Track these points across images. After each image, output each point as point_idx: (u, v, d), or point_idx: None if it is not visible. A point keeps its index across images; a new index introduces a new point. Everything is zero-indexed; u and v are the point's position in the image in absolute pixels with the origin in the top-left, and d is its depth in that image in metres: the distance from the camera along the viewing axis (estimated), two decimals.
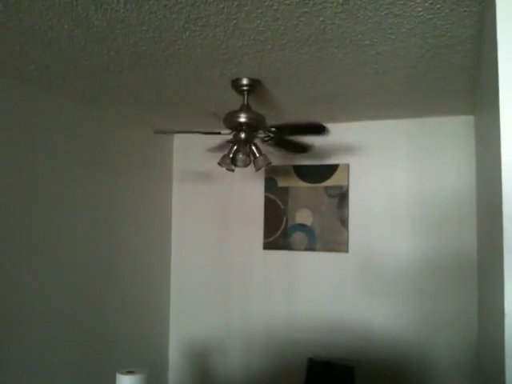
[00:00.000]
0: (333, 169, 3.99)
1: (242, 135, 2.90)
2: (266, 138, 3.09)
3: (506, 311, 1.52)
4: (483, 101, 2.41)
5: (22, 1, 1.93)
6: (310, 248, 4.03)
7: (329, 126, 3.91)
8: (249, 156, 2.99)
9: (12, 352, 2.98)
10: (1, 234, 2.91)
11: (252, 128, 2.90)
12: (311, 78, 2.85)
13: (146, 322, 4.21)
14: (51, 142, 3.27)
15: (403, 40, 2.28)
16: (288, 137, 3.11)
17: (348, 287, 3.91)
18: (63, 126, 3.37)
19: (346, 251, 3.93)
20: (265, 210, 4.20)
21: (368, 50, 2.41)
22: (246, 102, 2.93)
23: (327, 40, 2.29)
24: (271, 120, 3.02)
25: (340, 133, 3.95)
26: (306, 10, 1.98)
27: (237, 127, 2.89)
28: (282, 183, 4.15)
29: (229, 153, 3.00)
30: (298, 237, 4.07)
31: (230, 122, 2.89)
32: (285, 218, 4.12)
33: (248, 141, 2.94)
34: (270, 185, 4.19)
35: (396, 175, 3.83)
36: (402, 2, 1.91)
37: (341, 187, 3.96)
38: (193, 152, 4.47)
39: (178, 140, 4.58)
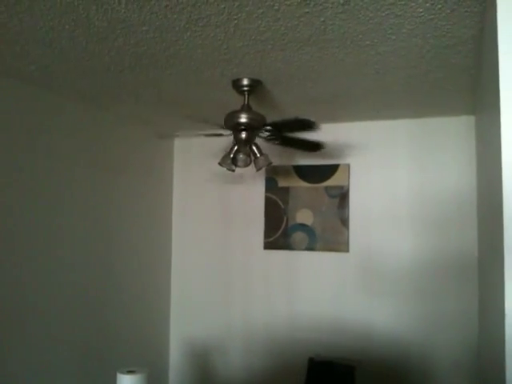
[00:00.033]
0: (333, 169, 3.99)
1: (243, 135, 2.91)
2: (270, 137, 3.08)
3: (507, 311, 1.52)
4: (484, 101, 2.41)
5: (23, 1, 1.94)
6: (311, 248, 4.03)
7: (329, 126, 3.96)
8: (249, 156, 2.99)
9: (12, 352, 2.98)
10: (1, 234, 2.91)
11: (253, 128, 2.90)
12: (312, 78, 2.85)
13: (146, 322, 4.21)
14: (51, 142, 3.27)
15: (404, 40, 2.28)
16: (291, 135, 3.10)
17: (349, 287, 3.91)
18: (64, 126, 3.37)
19: (347, 251, 3.93)
20: (265, 209, 4.20)
21: (369, 51, 2.41)
22: (246, 103, 2.94)
23: (328, 40, 2.29)
24: (270, 120, 3.01)
25: (341, 133, 3.96)
26: (306, 10, 1.98)
27: (237, 127, 2.90)
28: (282, 183, 4.15)
29: (229, 153, 3.00)
30: (298, 237, 4.07)
31: (231, 122, 2.89)
32: (285, 218, 4.12)
33: (248, 141, 2.94)
34: (270, 185, 4.19)
35: (397, 175, 3.83)
36: (402, 3, 1.91)
37: (341, 187, 3.96)
38: (193, 152, 4.48)
39: (179, 140, 4.58)
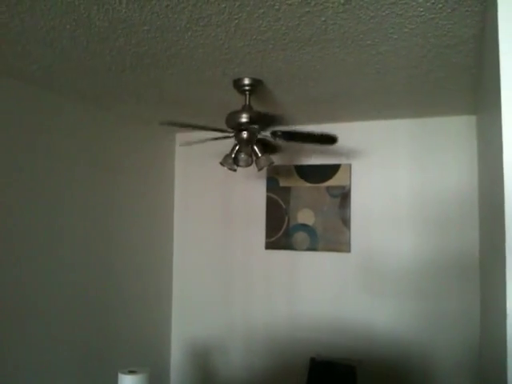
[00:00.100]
0: (335, 169, 3.98)
1: (244, 135, 2.91)
2: (272, 135, 3.08)
3: (508, 311, 1.52)
4: (485, 100, 2.41)
5: (24, 1, 1.94)
6: (312, 248, 4.03)
7: (331, 126, 3.96)
8: (251, 156, 2.99)
9: (12, 352, 2.98)
10: (1, 234, 2.91)
11: (253, 128, 2.90)
12: (313, 77, 2.85)
13: (147, 322, 4.21)
14: (52, 141, 3.27)
15: (405, 40, 2.28)
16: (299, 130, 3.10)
17: (350, 287, 3.91)
18: (64, 126, 3.37)
19: (348, 251, 3.93)
20: (267, 209, 4.20)
21: (370, 50, 2.41)
22: (247, 102, 2.94)
23: (329, 40, 2.29)
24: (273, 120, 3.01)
25: (342, 133, 3.94)
26: (307, 9, 1.98)
27: (239, 127, 2.90)
28: (283, 183, 4.15)
29: (231, 153, 3.00)
30: (300, 237, 4.07)
31: (232, 121, 2.89)
32: (287, 218, 4.12)
33: (250, 141, 2.94)
34: (271, 185, 4.19)
35: (398, 175, 3.83)
36: (403, 2, 1.91)
37: (343, 187, 3.96)
38: (194, 152, 4.48)
39: (180, 139, 4.57)
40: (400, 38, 2.25)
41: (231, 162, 3.01)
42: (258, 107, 3.24)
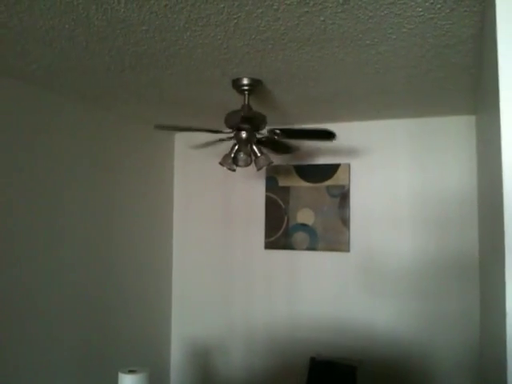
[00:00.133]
0: (334, 168, 3.98)
1: (243, 135, 2.91)
2: (264, 139, 3.09)
3: (508, 311, 1.52)
4: (484, 100, 2.41)
5: (23, 1, 1.94)
6: (312, 248, 4.03)
7: (330, 125, 3.96)
8: (250, 156, 2.99)
9: (12, 352, 2.98)
10: (1, 234, 2.91)
11: (253, 128, 2.90)
12: (312, 77, 2.85)
13: (147, 322, 4.21)
14: (52, 141, 3.27)
15: (404, 40, 2.27)
16: (287, 139, 3.10)
17: (350, 287, 3.91)
18: (65, 126, 3.37)
19: (348, 251, 3.93)
20: (266, 209, 4.20)
21: (369, 50, 2.41)
22: (246, 102, 2.94)
23: (328, 40, 2.28)
24: (271, 119, 3.01)
25: (341, 132, 3.94)
26: (306, 9, 1.98)
27: (238, 127, 2.90)
28: (283, 183, 4.15)
29: (230, 152, 3.00)
30: (299, 236, 4.07)
31: (231, 121, 2.89)
32: (286, 218, 4.12)
33: (249, 140, 2.94)
34: (271, 184, 4.19)
35: (397, 175, 3.83)
36: (402, 2, 1.91)
37: (342, 187, 3.96)
38: (194, 152, 4.47)
39: (179, 139, 4.58)
40: (399, 37, 2.25)
41: (230, 161, 3.00)
42: (257, 107, 3.23)
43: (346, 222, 3.94)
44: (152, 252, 4.29)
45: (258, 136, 3.05)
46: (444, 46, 2.34)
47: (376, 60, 2.55)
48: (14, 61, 2.64)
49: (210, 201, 4.44)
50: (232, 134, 2.97)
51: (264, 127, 2.98)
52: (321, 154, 4.01)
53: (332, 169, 3.99)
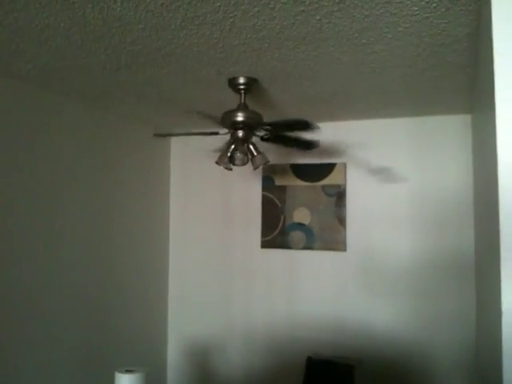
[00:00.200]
0: (330, 167, 3.99)
1: (240, 134, 2.90)
2: (266, 136, 3.09)
3: (503, 309, 1.52)
4: (480, 99, 2.41)
5: None
6: (309, 247, 4.03)
7: (327, 124, 3.96)
8: (246, 155, 2.99)
9: (12, 352, 2.98)
10: (1, 234, 2.91)
11: (249, 127, 2.90)
12: (308, 76, 2.85)
13: (145, 321, 4.21)
14: (51, 141, 3.27)
15: (400, 39, 2.28)
16: (286, 133, 3.10)
17: (347, 286, 3.91)
18: (62, 125, 3.37)
19: (344, 250, 3.93)
20: (262, 208, 4.20)
21: (365, 49, 2.41)
22: (242, 101, 2.94)
23: (324, 39, 2.28)
24: (267, 118, 3.02)
25: (338, 131, 3.96)
26: (302, 8, 1.98)
27: (234, 126, 2.90)
28: (279, 182, 4.15)
29: (226, 151, 3.00)
30: (296, 235, 4.07)
31: (228, 120, 2.89)
32: (282, 217, 4.12)
33: (245, 139, 2.94)
34: (267, 183, 4.19)
35: (394, 174, 3.83)
36: (398, 1, 1.91)
37: (338, 186, 3.96)
38: (190, 150, 4.47)
39: (176, 139, 4.57)
40: (395, 36, 2.25)
41: (227, 160, 3.00)
42: (253, 106, 3.23)
43: (342, 221, 3.94)
44: (149, 252, 4.29)
45: (259, 134, 3.05)
46: (440, 45, 2.34)
47: (372, 59, 2.55)
48: (9, 60, 2.63)
49: (206, 200, 4.44)
50: (228, 133, 2.98)
51: (260, 126, 2.98)
52: (317, 153, 4.01)
53: (328, 168, 3.99)
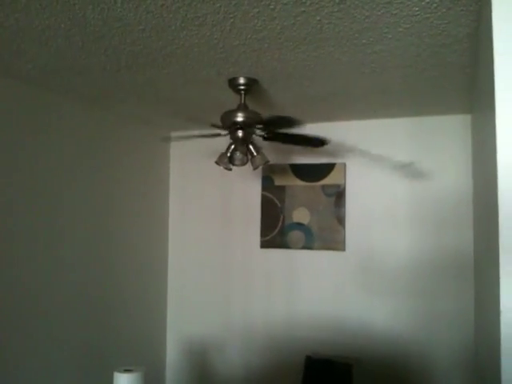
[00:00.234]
0: (330, 167, 3.99)
1: (240, 134, 2.91)
2: (266, 136, 3.09)
3: (502, 309, 1.52)
4: (480, 100, 2.42)
5: (19, 0, 1.93)
6: (308, 246, 4.03)
7: (326, 125, 3.96)
8: (246, 155, 2.99)
9: (12, 352, 2.98)
10: (1, 233, 2.91)
11: (249, 127, 2.90)
12: (308, 77, 2.85)
13: (143, 321, 4.21)
14: (51, 141, 3.27)
15: (400, 39, 2.28)
16: (290, 131, 3.10)
17: (346, 286, 3.92)
18: (62, 125, 3.37)
19: (343, 250, 3.93)
20: (262, 208, 4.20)
21: (365, 49, 2.41)
22: (243, 102, 2.94)
23: (324, 39, 2.29)
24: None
25: (338, 132, 3.96)
26: (302, 9, 1.98)
27: (234, 126, 2.90)
28: (278, 182, 4.15)
29: (226, 151, 3.00)
30: (295, 235, 4.07)
31: (228, 121, 2.90)
32: (282, 217, 4.12)
33: (245, 140, 2.94)
34: (266, 183, 4.19)
35: (393, 174, 3.83)
36: (398, 2, 1.91)
37: (338, 186, 3.96)
38: (190, 151, 4.47)
39: (175, 139, 4.57)
40: (395, 37, 2.26)
41: (226, 161, 3.01)
42: (253, 106, 3.23)
43: (341, 221, 3.94)
44: (149, 251, 4.29)
45: (260, 134, 3.06)
46: (440, 46, 2.35)
47: (372, 59, 2.55)
48: (10, 60, 2.63)
49: (205, 200, 4.44)
50: (228, 134, 2.98)
51: (259, 127, 2.98)
52: (317, 153, 4.01)
53: (327, 168, 3.99)
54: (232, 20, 2.09)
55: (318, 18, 2.07)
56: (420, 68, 2.68)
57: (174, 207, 4.58)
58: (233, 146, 2.98)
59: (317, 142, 3.16)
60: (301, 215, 4.06)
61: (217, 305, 4.34)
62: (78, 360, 3.50)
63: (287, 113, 3.66)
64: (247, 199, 4.27)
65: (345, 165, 3.96)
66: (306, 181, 4.05)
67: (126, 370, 2.44)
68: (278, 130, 3.08)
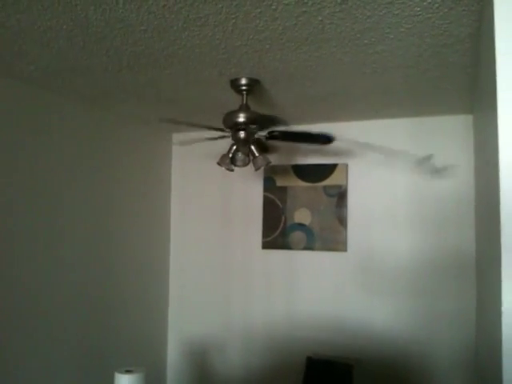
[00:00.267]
0: (331, 168, 3.99)
1: (241, 135, 2.91)
2: (268, 136, 3.09)
3: (504, 310, 1.52)
4: (481, 100, 2.42)
5: (21, 1, 1.94)
6: (309, 247, 4.03)
7: (328, 125, 3.97)
8: (248, 156, 3.00)
9: (12, 352, 2.98)
10: (1, 233, 2.91)
11: (251, 128, 2.90)
12: (310, 77, 2.85)
13: (144, 321, 4.21)
14: (51, 141, 3.27)
15: (402, 39, 2.28)
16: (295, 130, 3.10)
17: (347, 286, 3.92)
18: (63, 125, 3.37)
19: (345, 250, 3.93)
20: (263, 209, 4.20)
21: (366, 50, 2.41)
22: (244, 102, 2.94)
23: (326, 39, 2.29)
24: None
25: (339, 132, 3.95)
26: (304, 9, 1.98)
27: (236, 127, 2.90)
28: (280, 183, 4.15)
29: (228, 152, 3.00)
30: (296, 236, 4.07)
31: (229, 121, 2.90)
32: (283, 218, 4.12)
33: (247, 140, 2.94)
34: (268, 184, 4.19)
35: (395, 174, 3.83)
36: (400, 2, 1.91)
37: (339, 187, 3.96)
38: (192, 152, 4.47)
39: (177, 139, 4.57)
40: (396, 37, 2.26)
41: (228, 161, 3.01)
42: (255, 107, 3.24)
43: (342, 221, 3.94)
44: (150, 252, 4.29)
45: (262, 134, 3.06)
46: (442, 46, 2.35)
47: (374, 59, 2.55)
48: (12, 61, 2.64)
49: (207, 201, 4.44)
50: (230, 134, 2.98)
51: (262, 127, 2.98)
52: (319, 154, 4.02)
53: (329, 169, 3.99)
54: (234, 20, 2.10)
55: (320, 19, 2.07)
56: (421, 68, 2.68)
57: (175, 207, 4.58)
58: (235, 147, 2.98)
59: (324, 139, 3.16)
60: (302, 216, 4.06)
61: (218, 305, 4.34)
62: (78, 360, 3.50)
63: (288, 113, 3.67)
64: (249, 200, 4.27)
65: (347, 165, 3.95)
66: (308, 181, 4.05)
67: (127, 371, 2.44)
68: (298, 142, 3.08)
